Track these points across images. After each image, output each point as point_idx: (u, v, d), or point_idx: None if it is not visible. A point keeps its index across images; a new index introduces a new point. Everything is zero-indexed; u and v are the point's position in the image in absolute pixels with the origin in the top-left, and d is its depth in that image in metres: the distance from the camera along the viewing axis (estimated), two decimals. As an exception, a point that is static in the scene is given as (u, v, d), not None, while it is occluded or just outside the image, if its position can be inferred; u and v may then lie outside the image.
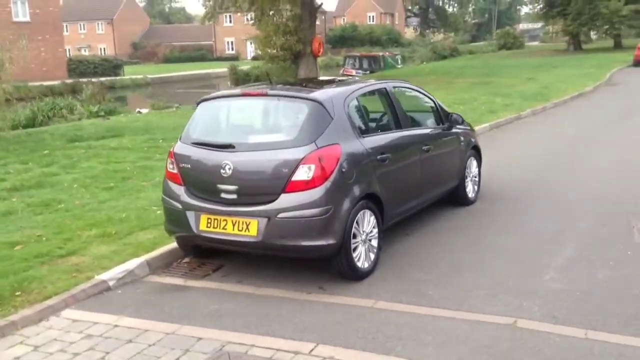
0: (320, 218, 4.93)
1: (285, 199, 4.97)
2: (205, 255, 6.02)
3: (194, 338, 4.32)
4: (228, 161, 5.16)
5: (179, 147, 5.66)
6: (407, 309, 4.69)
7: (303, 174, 4.94)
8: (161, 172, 9.55)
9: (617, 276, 5.14)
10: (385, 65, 39.92)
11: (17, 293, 5.14)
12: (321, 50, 30.02)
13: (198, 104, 5.89)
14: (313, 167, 4.94)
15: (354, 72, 38.30)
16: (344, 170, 5.07)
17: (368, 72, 37.93)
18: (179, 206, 5.49)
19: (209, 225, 5.30)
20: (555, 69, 31.15)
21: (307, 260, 5.53)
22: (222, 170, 5.17)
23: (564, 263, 5.48)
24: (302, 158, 4.97)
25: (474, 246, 6.06)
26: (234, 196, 5.18)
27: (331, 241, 4.97)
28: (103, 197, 8.20)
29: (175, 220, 5.59)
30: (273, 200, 5.02)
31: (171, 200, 5.60)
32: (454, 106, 16.93)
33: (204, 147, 5.48)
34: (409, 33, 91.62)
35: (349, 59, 42.02)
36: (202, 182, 5.41)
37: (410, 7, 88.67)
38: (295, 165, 4.96)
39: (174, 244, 6.17)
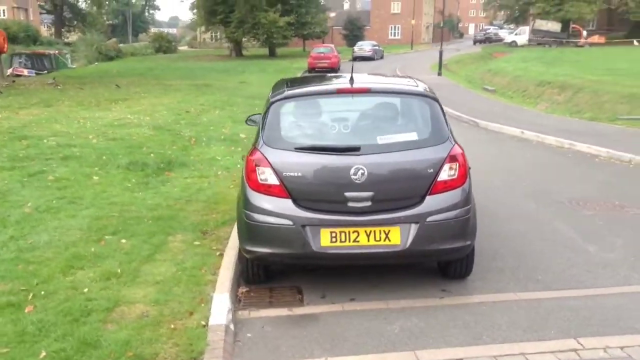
0: (466, 218, 4.87)
1: (433, 201, 4.76)
2: (259, 280, 5.27)
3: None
4: (361, 165, 4.67)
5: (275, 155, 4.81)
6: (553, 295, 4.99)
7: (447, 173, 4.81)
8: (27, 191, 7.68)
9: (631, 241, 6.30)
10: (58, 65, 36.47)
11: (145, 365, 3.83)
12: (6, 46, 26.03)
13: (273, 103, 5.07)
14: (456, 165, 4.84)
15: (25, 72, 34.10)
16: (470, 167, 5.10)
17: (45, 72, 34.17)
18: (288, 222, 4.71)
19: (333, 240, 4.71)
20: (244, 73, 33.05)
21: (384, 267, 5.36)
22: (353, 177, 4.65)
23: (580, 237, 6.43)
24: (447, 156, 4.82)
25: (492, 234, 6.52)
26: (367, 204, 4.71)
27: (470, 241, 4.96)
28: (8, 231, 6.23)
29: (278, 240, 4.76)
30: (416, 203, 4.75)
31: (270, 217, 4.76)
32: (216, 109, 16.94)
33: (319, 152, 4.81)
34: (43, 31, 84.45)
35: (16, 57, 37.04)
36: (322, 192, 4.74)
37: (43, 4, 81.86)
38: (440, 164, 4.79)
39: (228, 273, 5.25)
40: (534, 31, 55.18)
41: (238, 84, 25.73)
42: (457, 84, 26.21)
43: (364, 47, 47.41)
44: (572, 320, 4.47)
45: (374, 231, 4.70)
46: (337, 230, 4.70)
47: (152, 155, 10.34)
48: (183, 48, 73.44)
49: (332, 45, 38.51)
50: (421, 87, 5.28)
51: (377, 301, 4.93)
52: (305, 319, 4.67)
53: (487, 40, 66.30)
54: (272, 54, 51.12)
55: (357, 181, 4.65)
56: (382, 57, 48.35)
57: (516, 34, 56.67)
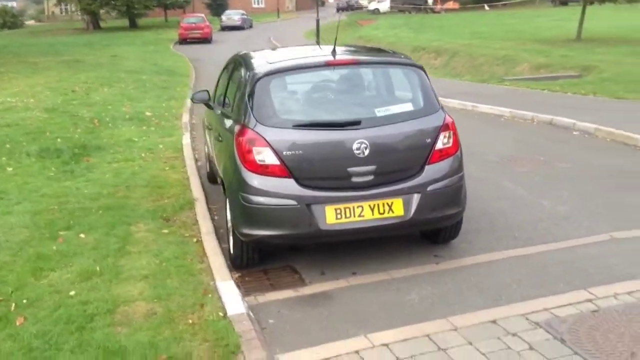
0: (460, 184, 4.97)
1: (432, 170, 4.79)
2: (252, 264, 5.07)
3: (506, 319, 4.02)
4: (363, 139, 4.58)
5: (272, 133, 4.57)
6: (538, 250, 5.21)
7: (442, 141, 4.86)
8: None
9: (574, 192, 6.74)
10: None
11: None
12: None
13: (260, 78, 4.79)
14: (450, 133, 4.90)
15: None
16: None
17: None
18: (292, 202, 4.54)
19: (338, 216, 4.61)
20: (111, 46, 31.25)
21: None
22: (356, 151, 4.56)
23: (529, 193, 6.78)
24: (441, 125, 4.87)
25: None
26: (370, 178, 4.65)
27: (462, 206, 5.08)
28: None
29: (282, 221, 4.58)
30: (416, 174, 4.77)
31: (272, 199, 4.55)
32: (103, 86, 15.98)
33: (320, 128, 4.65)
34: None
35: None
36: (324, 169, 4.61)
37: None
38: (436, 133, 4.83)
39: (218, 259, 5.01)
40: (394, -2, 57.05)
41: (111, 59, 24.25)
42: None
43: (233, 16, 46.45)
44: (571, 273, 4.73)
45: (378, 204, 4.66)
46: (342, 206, 4.61)
47: (59, 140, 9.54)
48: (30, 23, 67.66)
49: (203, 15, 37.37)
50: (405, 57, 5.26)
51: (378, 273, 4.91)
52: (317, 298, 4.55)
53: (350, 8, 67.60)
54: (133, 26, 48.66)
55: (359, 155, 4.57)
56: (251, 26, 47.76)
57: (378, 2, 58.23)
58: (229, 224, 5.17)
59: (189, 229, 5.79)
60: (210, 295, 4.42)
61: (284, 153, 4.55)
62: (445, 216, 4.91)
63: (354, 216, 4.63)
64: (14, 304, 4.22)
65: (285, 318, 4.24)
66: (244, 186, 4.63)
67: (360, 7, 67.55)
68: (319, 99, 5.05)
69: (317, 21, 30.81)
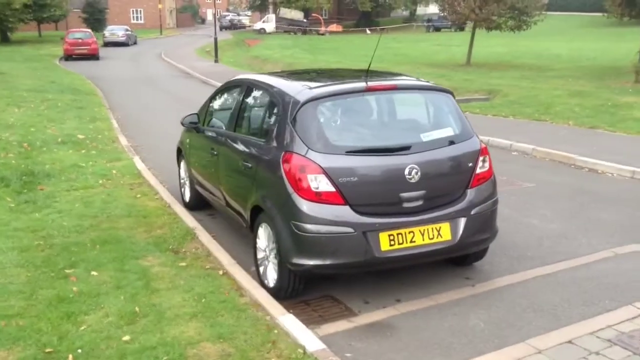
0: (495, 208, 5.12)
1: (474, 194, 4.89)
2: (295, 295, 4.92)
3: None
4: (414, 165, 4.62)
5: (326, 160, 4.48)
6: (558, 268, 5.40)
7: (480, 165, 5.00)
8: None
9: (554, 210, 7.10)
10: None
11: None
12: None
13: (304, 103, 4.67)
14: (486, 157, 5.06)
15: None
16: None
17: None
18: (349, 230, 4.47)
19: (392, 243, 4.59)
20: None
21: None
22: (407, 176, 4.59)
23: (515, 213, 7.03)
24: (480, 149, 5.02)
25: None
26: (419, 203, 4.69)
27: (496, 229, 5.23)
28: None
29: (338, 249, 4.48)
30: (460, 197, 4.87)
31: (328, 227, 4.45)
32: (11, 107, 14.84)
33: (373, 154, 4.61)
34: None
35: None
36: (378, 195, 4.58)
37: None
38: (476, 157, 4.96)
39: (259, 292, 4.81)
40: (279, 19, 57.69)
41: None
42: (244, 73, 26.27)
43: (116, 32, 44.66)
44: (607, 289, 4.97)
45: (427, 229, 4.69)
46: (395, 232, 4.60)
47: (-6, 167, 8.67)
48: None
49: (90, 30, 35.62)
50: (433, 82, 5.38)
51: (422, 299, 4.90)
52: (379, 327, 4.46)
53: (233, 27, 67.42)
54: (4, 40, 45.28)
55: (411, 181, 4.60)
56: (135, 43, 46.22)
57: (264, 22, 58.61)
58: (264, 254, 5.00)
59: (205, 260, 5.48)
60: (276, 331, 4.21)
61: (339, 180, 4.48)
62: (483, 239, 5.04)
63: (407, 242, 4.63)
64: (70, 356, 3.77)
65: (363, 351, 4.13)
66: (297, 214, 4.48)
67: (243, 26, 67.65)
68: (364, 124, 5.03)
69: (215, 39, 30.45)
